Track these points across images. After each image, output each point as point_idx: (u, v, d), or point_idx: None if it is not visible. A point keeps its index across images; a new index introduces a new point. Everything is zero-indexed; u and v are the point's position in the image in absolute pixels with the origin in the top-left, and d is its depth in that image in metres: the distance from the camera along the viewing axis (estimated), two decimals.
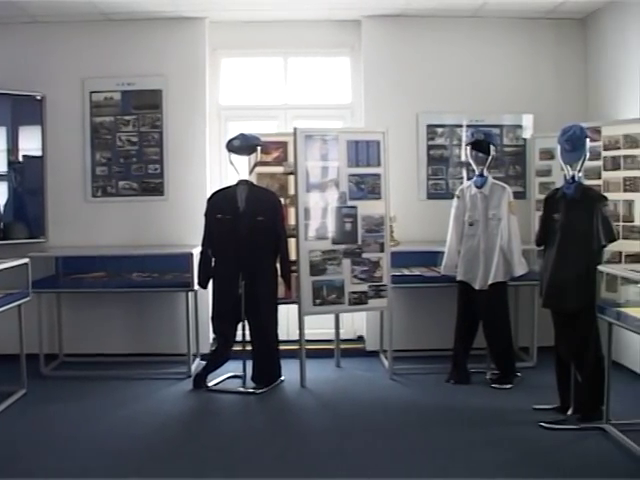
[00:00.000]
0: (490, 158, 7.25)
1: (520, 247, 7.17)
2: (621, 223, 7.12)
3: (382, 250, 7.47)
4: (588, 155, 6.05)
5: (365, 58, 8.53)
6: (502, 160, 8.45)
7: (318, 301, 7.31)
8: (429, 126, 8.57)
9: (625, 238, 7.04)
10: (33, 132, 8.31)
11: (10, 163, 8.20)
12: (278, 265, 7.30)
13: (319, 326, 8.18)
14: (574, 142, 5.93)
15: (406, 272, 8.00)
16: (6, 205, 8.23)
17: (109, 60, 8.42)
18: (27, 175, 8.32)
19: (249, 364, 7.28)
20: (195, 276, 7.51)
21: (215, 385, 7.29)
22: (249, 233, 7.07)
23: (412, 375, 7.61)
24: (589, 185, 6.41)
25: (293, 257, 7.39)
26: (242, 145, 7.22)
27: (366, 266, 7.44)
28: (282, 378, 7.41)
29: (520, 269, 7.14)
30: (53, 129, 8.35)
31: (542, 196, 6.82)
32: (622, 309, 5.60)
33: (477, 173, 7.32)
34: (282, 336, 7.59)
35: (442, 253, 7.54)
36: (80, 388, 7.28)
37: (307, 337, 7.39)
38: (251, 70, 9.01)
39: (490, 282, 7.16)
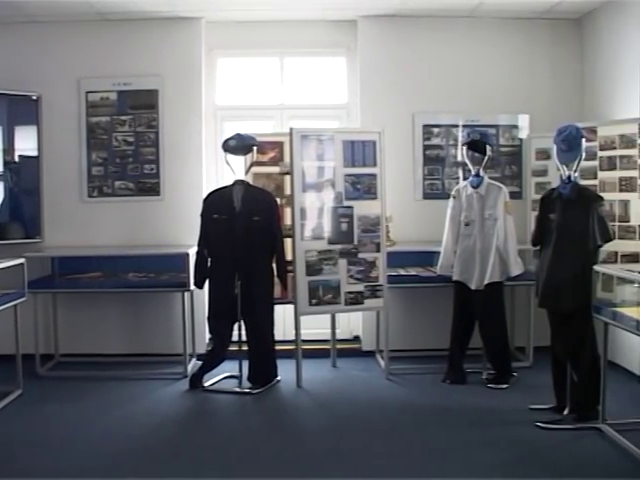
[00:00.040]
0: (486, 158, 7.26)
1: (516, 247, 7.18)
2: (617, 223, 7.13)
3: (378, 250, 7.48)
4: (584, 155, 6.05)
5: (361, 58, 8.53)
6: (498, 160, 8.45)
7: (314, 301, 7.31)
8: (425, 126, 8.58)
9: (621, 238, 7.04)
10: (29, 132, 8.31)
11: (6, 163, 8.18)
12: (274, 265, 7.30)
13: (315, 326, 8.18)
14: (570, 142, 5.94)
15: (402, 272, 8.01)
16: (2, 205, 8.20)
17: (105, 60, 8.41)
18: (23, 175, 8.31)
19: (245, 364, 7.28)
20: (191, 276, 7.51)
21: (211, 385, 7.29)
22: (245, 233, 7.07)
23: (408, 375, 7.61)
24: (585, 185, 6.42)
25: (289, 257, 7.39)
26: (238, 145, 7.22)
27: (362, 266, 7.44)
28: (278, 378, 7.41)
29: (516, 269, 7.15)
30: (49, 129, 8.35)
31: (538, 196, 6.83)
32: (618, 309, 5.61)
33: (473, 173, 7.32)
34: (278, 336, 7.58)
35: (438, 253, 7.53)
36: (76, 388, 7.27)
37: (303, 337, 7.39)
38: (247, 70, 9.01)
39: (486, 282, 7.16)
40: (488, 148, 7.25)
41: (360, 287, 7.44)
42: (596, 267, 5.80)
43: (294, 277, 7.27)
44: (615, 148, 7.24)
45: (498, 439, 5.74)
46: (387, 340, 7.62)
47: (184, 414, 6.61)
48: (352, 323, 8.91)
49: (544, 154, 7.99)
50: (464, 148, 7.44)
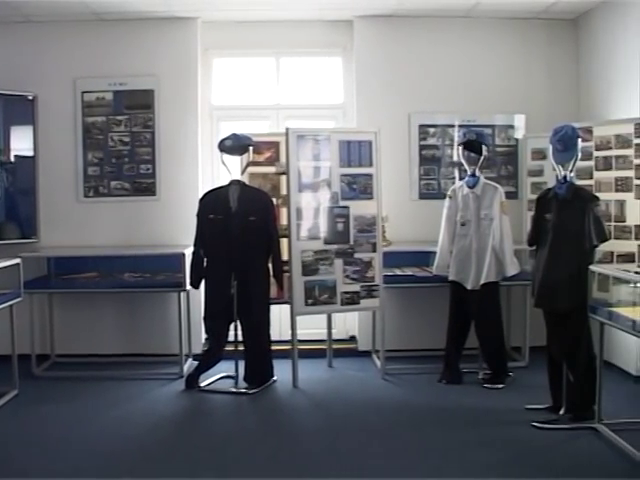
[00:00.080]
0: (482, 158, 7.26)
1: (512, 247, 7.19)
2: (613, 223, 7.13)
3: (374, 250, 7.48)
4: (580, 155, 6.06)
5: (357, 58, 8.54)
6: (494, 160, 8.46)
7: (310, 301, 7.31)
8: (421, 126, 8.58)
9: (617, 238, 7.05)
10: (25, 132, 8.29)
11: (2, 163, 8.15)
12: (270, 265, 7.30)
13: (311, 326, 8.16)
14: (566, 142, 5.94)
15: (398, 272, 8.01)
16: None
17: (101, 60, 8.40)
18: (19, 175, 8.30)
19: (241, 364, 7.28)
20: (187, 276, 7.50)
21: (207, 385, 7.29)
22: (241, 233, 7.07)
23: (404, 375, 7.61)
24: (581, 185, 6.42)
25: (285, 257, 7.39)
26: (234, 145, 7.22)
27: (358, 266, 7.45)
28: (274, 378, 7.41)
29: (512, 269, 7.16)
30: (45, 129, 8.34)
31: (534, 196, 6.83)
32: (614, 309, 5.62)
33: (469, 173, 7.33)
34: (274, 336, 7.58)
35: (434, 253, 7.54)
36: (72, 389, 7.27)
37: (299, 337, 7.39)
38: (243, 70, 9.01)
39: (482, 282, 7.17)
40: (484, 148, 7.26)
41: (356, 287, 7.44)
42: (592, 267, 5.80)
43: (290, 277, 7.26)
44: (611, 148, 7.25)
45: (494, 439, 5.74)
46: (383, 340, 7.62)
47: (180, 414, 6.61)
48: (348, 323, 8.91)
49: (540, 154, 8.00)
50: (460, 148, 7.44)
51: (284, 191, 7.54)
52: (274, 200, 7.50)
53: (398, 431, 6.00)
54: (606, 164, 7.29)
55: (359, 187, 7.43)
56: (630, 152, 7.06)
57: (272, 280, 7.34)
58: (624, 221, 7.11)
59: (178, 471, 5.20)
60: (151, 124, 8.45)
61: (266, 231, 7.17)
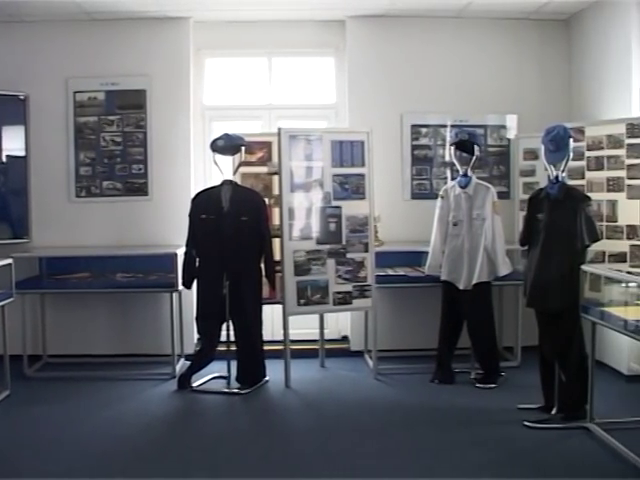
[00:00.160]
0: (474, 158, 7.27)
1: (504, 247, 7.20)
2: (604, 223, 7.15)
3: (366, 250, 7.48)
4: (572, 155, 6.07)
5: (349, 58, 8.54)
6: (486, 160, 8.47)
7: (302, 301, 7.31)
8: (413, 126, 8.59)
9: (608, 238, 7.06)
10: (16, 132, 8.28)
11: None
12: (262, 265, 7.30)
13: (303, 326, 8.16)
14: (558, 142, 5.96)
15: (390, 272, 8.01)
16: None
17: (93, 60, 8.39)
18: (10, 175, 8.28)
19: (234, 364, 7.27)
20: (179, 276, 7.50)
21: (200, 386, 7.28)
22: (233, 233, 7.06)
23: (396, 375, 7.62)
24: (573, 185, 6.43)
25: (277, 257, 7.38)
26: (226, 145, 7.22)
27: (350, 266, 7.45)
28: (267, 378, 7.40)
29: (504, 269, 7.17)
30: (36, 129, 8.32)
31: (526, 196, 6.84)
32: (606, 309, 5.63)
33: (461, 173, 7.33)
34: (266, 336, 7.58)
35: (426, 253, 7.54)
36: (64, 389, 7.26)
37: (291, 337, 7.39)
38: (235, 70, 9.01)
39: (474, 282, 7.17)
40: (476, 148, 7.27)
41: (348, 287, 7.44)
42: (584, 267, 5.82)
43: (282, 277, 7.26)
44: (603, 148, 7.26)
45: (486, 439, 5.75)
46: (375, 340, 7.62)
47: (172, 414, 6.60)
48: (340, 323, 8.91)
49: (532, 154, 8.01)
50: (452, 148, 7.45)
51: (276, 191, 7.54)
52: (266, 200, 7.50)
53: (390, 431, 6.01)
54: (598, 164, 7.30)
55: (351, 187, 7.44)
56: (622, 152, 7.07)
57: (264, 280, 7.33)
58: (616, 221, 7.12)
59: (170, 471, 5.19)
60: (143, 124, 8.44)
61: (258, 231, 7.17)
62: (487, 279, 7.20)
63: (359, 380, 7.56)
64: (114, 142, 8.43)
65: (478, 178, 7.42)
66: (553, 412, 6.11)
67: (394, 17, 8.45)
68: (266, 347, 7.46)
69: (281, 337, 7.44)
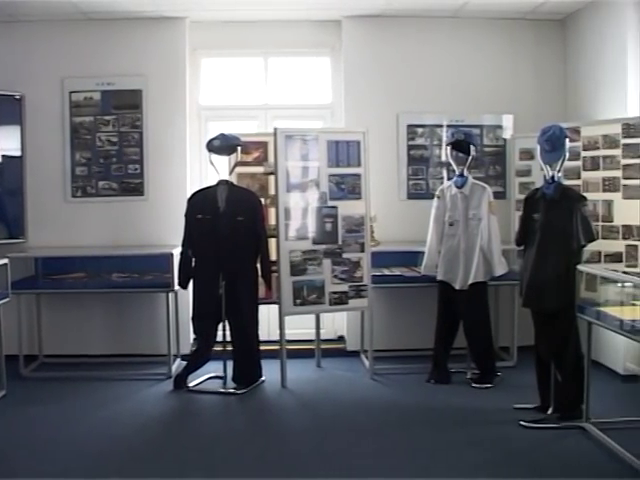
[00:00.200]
0: (470, 158, 7.27)
1: (500, 247, 7.20)
2: (600, 223, 7.14)
3: (362, 250, 7.48)
4: (567, 155, 6.09)
5: (345, 58, 8.54)
6: (482, 160, 8.47)
7: (299, 301, 7.31)
8: (409, 126, 8.59)
9: (604, 238, 7.06)
10: (12, 132, 8.26)
11: None
12: (259, 265, 7.29)
13: (300, 326, 8.18)
14: (554, 142, 5.96)
15: (386, 272, 8.02)
16: None
17: (89, 60, 8.38)
18: (6, 175, 8.26)
19: (230, 364, 7.27)
20: (175, 276, 7.49)
21: (196, 386, 7.28)
22: (229, 233, 7.06)
23: (393, 375, 7.62)
24: (568, 185, 6.44)
25: (273, 257, 7.38)
26: (222, 145, 7.21)
27: (346, 266, 7.45)
28: (263, 378, 7.40)
29: (500, 269, 7.18)
30: (32, 129, 8.31)
31: (522, 196, 6.86)
32: (601, 308, 5.64)
33: (457, 173, 7.34)
34: (263, 336, 7.57)
35: (422, 253, 7.54)
36: (60, 389, 7.25)
37: (288, 337, 7.39)
38: (231, 70, 9.01)
39: (470, 282, 7.18)
40: (472, 148, 7.27)
41: (344, 287, 7.45)
42: (580, 267, 5.82)
43: (278, 277, 7.26)
44: (598, 148, 7.26)
45: (482, 439, 5.75)
46: (371, 340, 7.63)
47: (168, 414, 6.60)
48: (336, 323, 8.92)
49: (528, 154, 8.01)
50: (448, 148, 7.45)
51: (272, 191, 7.54)
52: (262, 200, 7.50)
53: (386, 431, 6.01)
54: (594, 164, 7.30)
55: (347, 187, 7.44)
56: (617, 152, 7.07)
57: (260, 280, 7.33)
58: (611, 221, 7.12)
59: (166, 471, 5.19)
60: (139, 124, 8.43)
61: (254, 231, 7.17)
62: (483, 279, 7.21)
63: (355, 380, 7.56)
64: (110, 142, 8.43)
65: (474, 178, 7.42)
66: (549, 412, 6.11)
67: (390, 17, 8.45)
68: (262, 347, 7.46)
69: (277, 337, 7.42)
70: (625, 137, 6.99)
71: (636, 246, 6.89)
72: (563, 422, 5.92)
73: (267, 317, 8.14)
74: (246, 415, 6.61)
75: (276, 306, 7.39)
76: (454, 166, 7.39)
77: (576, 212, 5.84)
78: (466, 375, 7.43)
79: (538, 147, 6.13)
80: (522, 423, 5.96)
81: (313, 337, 8.19)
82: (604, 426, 5.69)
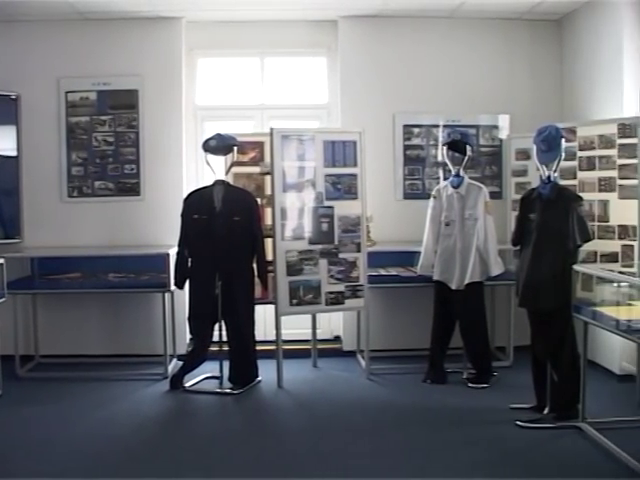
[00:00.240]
0: (466, 158, 7.28)
1: (496, 247, 7.21)
2: (596, 223, 7.15)
3: (359, 250, 7.48)
4: (563, 155, 6.09)
5: (342, 58, 8.54)
6: (478, 160, 8.48)
7: (295, 301, 7.31)
8: (405, 126, 8.59)
9: (600, 238, 7.07)
10: (8, 132, 8.25)
11: None
12: (255, 265, 7.29)
13: (296, 326, 8.16)
14: (550, 142, 5.97)
15: (383, 272, 8.01)
16: None
17: (85, 60, 8.37)
18: (2, 175, 8.24)
19: (226, 365, 7.27)
20: (171, 276, 7.49)
21: (192, 386, 7.27)
22: (226, 233, 7.06)
23: (389, 375, 7.62)
24: (565, 185, 6.45)
25: (270, 257, 7.38)
26: (218, 145, 7.21)
27: (343, 266, 7.45)
28: (259, 378, 7.40)
29: (496, 269, 7.18)
30: (28, 129, 8.30)
31: (518, 196, 6.85)
32: (597, 308, 5.63)
33: (453, 173, 7.34)
34: (259, 336, 7.57)
35: (419, 253, 7.54)
36: (56, 389, 7.24)
37: (284, 337, 7.38)
38: (227, 70, 9.00)
39: (466, 282, 7.18)
40: (468, 148, 7.28)
41: (341, 287, 7.45)
42: (576, 267, 5.83)
43: (275, 277, 7.26)
44: (594, 148, 7.27)
45: (478, 439, 5.75)
46: (368, 340, 7.63)
47: (165, 415, 6.60)
48: (333, 323, 8.92)
49: (524, 154, 8.01)
50: (444, 148, 7.46)
51: (268, 191, 7.54)
52: (258, 200, 7.49)
53: (383, 431, 6.01)
54: (590, 164, 7.31)
55: (343, 187, 7.44)
56: (613, 152, 7.08)
57: (257, 280, 7.33)
58: (607, 221, 7.13)
59: (163, 471, 5.19)
60: (135, 124, 8.43)
61: (250, 231, 7.16)
62: (479, 279, 7.21)
63: (351, 380, 7.56)
64: (106, 142, 8.42)
65: (470, 178, 7.43)
66: (545, 412, 6.12)
67: (386, 17, 8.45)
68: (258, 347, 7.46)
69: (273, 337, 7.44)
70: (621, 137, 7.00)
71: (632, 246, 6.90)
72: (559, 422, 5.93)
73: (263, 317, 8.15)
74: (242, 415, 6.61)
75: (272, 306, 7.40)
76: (450, 166, 7.39)
77: (572, 212, 5.85)
78: (462, 375, 7.43)
79: (534, 147, 6.13)
80: (518, 423, 5.96)
81: (309, 337, 8.19)
82: (600, 426, 5.69)
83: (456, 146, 7.31)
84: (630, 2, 7.23)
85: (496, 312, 8.18)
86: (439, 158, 8.45)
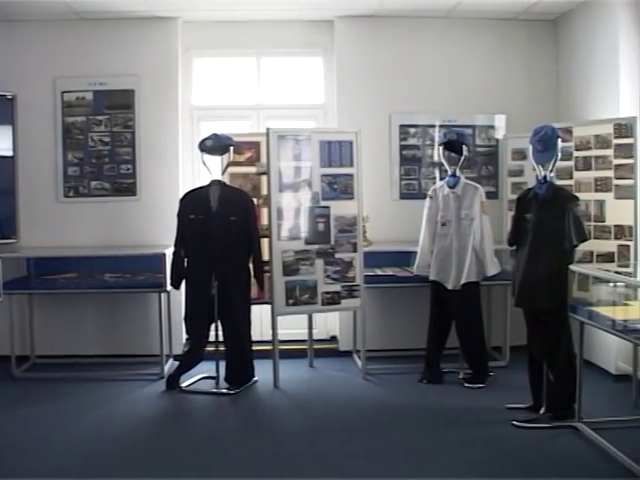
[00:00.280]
0: (463, 158, 7.28)
1: (492, 247, 7.21)
2: (592, 223, 7.16)
3: (355, 250, 7.48)
4: (560, 155, 6.09)
5: (338, 58, 8.54)
6: (475, 160, 8.47)
7: (291, 301, 7.31)
8: (402, 126, 8.59)
9: (596, 238, 7.07)
10: (4, 132, 8.23)
11: None
12: (251, 265, 7.29)
13: (292, 326, 8.18)
14: (546, 142, 5.98)
15: (379, 272, 8.02)
16: None
17: (81, 60, 8.36)
18: None
19: (222, 365, 7.26)
20: (168, 277, 7.48)
21: (188, 386, 7.27)
22: (222, 233, 7.05)
23: (385, 375, 7.62)
24: (561, 185, 6.45)
25: (266, 257, 7.38)
26: (215, 145, 7.21)
27: (339, 266, 7.45)
28: (255, 379, 7.40)
29: (492, 269, 7.18)
30: (24, 129, 8.29)
31: (514, 196, 6.87)
32: (594, 308, 5.64)
33: (450, 173, 7.34)
34: (255, 336, 7.56)
35: (415, 253, 7.55)
36: (52, 390, 7.23)
37: (280, 337, 7.39)
38: (224, 70, 9.00)
39: (463, 282, 7.18)
40: (464, 148, 7.27)
41: (337, 287, 7.45)
42: (572, 267, 5.83)
43: (271, 277, 7.26)
44: (590, 148, 7.27)
45: (475, 438, 5.75)
46: (364, 340, 7.63)
47: (161, 415, 6.59)
48: (329, 323, 8.91)
49: (520, 154, 8.01)
50: (440, 148, 7.46)
51: (265, 191, 7.54)
52: (255, 200, 7.49)
53: (379, 431, 6.01)
54: (586, 164, 7.31)
55: (340, 187, 7.44)
56: (609, 152, 7.08)
57: (253, 280, 7.33)
58: (604, 221, 7.14)
59: (159, 471, 5.19)
60: (131, 124, 8.42)
61: (247, 231, 7.16)
62: (476, 279, 7.21)
63: (348, 380, 7.56)
64: (102, 142, 8.42)
65: (467, 178, 7.43)
66: (541, 412, 6.12)
67: (383, 17, 8.45)
68: (255, 347, 7.45)
69: (270, 337, 7.42)
70: (617, 137, 7.01)
71: (628, 246, 6.91)
72: (555, 422, 5.93)
73: (259, 317, 8.13)
74: (239, 415, 6.61)
75: (268, 306, 7.38)
76: (446, 166, 7.39)
77: (568, 212, 5.86)
78: (458, 375, 7.43)
79: (530, 147, 6.14)
80: (514, 423, 5.97)
81: (306, 337, 8.19)
82: (596, 426, 5.70)
83: (452, 146, 7.31)
84: (626, 2, 7.23)
85: (492, 312, 8.18)
86: (435, 158, 8.45)
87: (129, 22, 8.33)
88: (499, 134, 8.57)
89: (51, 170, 8.39)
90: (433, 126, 8.58)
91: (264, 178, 7.50)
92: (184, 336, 8.04)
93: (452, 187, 7.28)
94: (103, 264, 8.09)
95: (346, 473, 5.15)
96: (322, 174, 7.39)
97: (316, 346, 8.28)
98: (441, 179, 7.91)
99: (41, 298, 8.29)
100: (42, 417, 6.40)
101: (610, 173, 7.07)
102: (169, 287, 7.53)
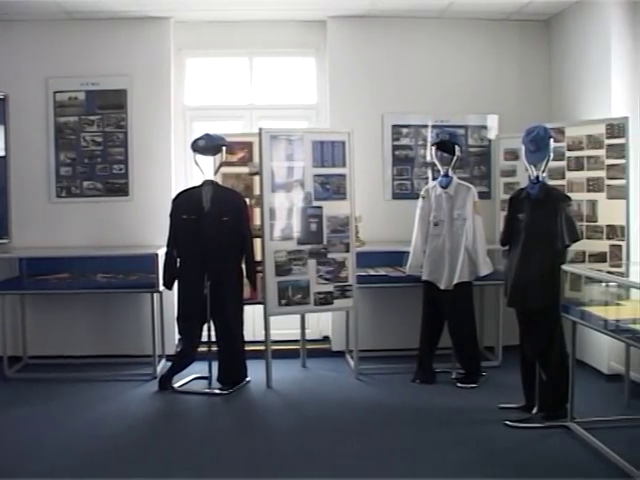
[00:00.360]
0: (455, 158, 7.29)
1: (485, 247, 7.22)
2: (585, 223, 7.17)
3: (347, 250, 7.49)
4: (552, 155, 6.10)
5: (330, 58, 8.54)
6: (467, 160, 8.48)
7: (284, 301, 7.31)
8: (394, 126, 8.60)
9: (589, 238, 7.08)
10: None
11: None
12: (243, 265, 7.29)
13: (285, 326, 8.18)
14: (538, 142, 5.99)
15: (371, 272, 8.02)
16: None
17: (73, 60, 8.35)
18: None
19: (215, 365, 7.26)
20: (160, 277, 7.48)
21: (181, 386, 7.26)
22: (214, 234, 7.05)
23: (378, 375, 7.62)
24: (553, 185, 6.47)
25: (258, 257, 7.38)
26: (207, 145, 7.21)
27: (331, 266, 7.45)
28: (248, 379, 7.39)
29: (485, 269, 7.19)
30: (16, 129, 8.27)
31: (507, 196, 6.89)
32: (586, 308, 5.66)
33: (442, 173, 7.35)
34: (248, 337, 7.56)
35: (407, 253, 7.55)
36: (45, 390, 7.22)
37: (273, 337, 7.39)
38: (216, 70, 8.99)
39: (455, 282, 7.19)
40: (457, 148, 7.28)
41: (329, 287, 7.45)
42: (564, 267, 5.84)
43: (263, 277, 7.27)
44: (583, 148, 7.28)
45: (467, 438, 5.76)
46: (357, 340, 7.63)
47: (154, 415, 6.59)
48: (322, 323, 8.92)
49: (512, 154, 8.02)
50: (433, 148, 7.46)
51: (257, 191, 7.54)
52: (247, 200, 7.48)
53: (371, 431, 6.01)
54: (578, 164, 7.33)
55: (332, 187, 7.44)
56: (602, 152, 7.09)
57: (245, 280, 7.32)
58: (596, 221, 7.15)
59: (152, 471, 5.18)
60: (124, 124, 8.41)
61: (239, 231, 7.16)
62: (468, 279, 7.22)
63: (340, 380, 7.56)
64: (94, 142, 8.41)
65: (459, 178, 7.44)
66: (534, 411, 6.13)
67: (375, 17, 8.46)
68: (247, 347, 7.45)
69: (262, 337, 7.43)
70: (609, 137, 7.02)
71: (620, 246, 6.92)
72: (548, 421, 5.94)
73: (252, 317, 8.13)
74: (231, 415, 6.60)
75: (261, 306, 7.39)
76: (439, 166, 7.40)
77: (560, 212, 5.87)
78: (451, 375, 7.44)
79: (523, 147, 6.15)
80: (507, 423, 5.97)
81: (298, 337, 8.20)
82: (589, 425, 5.71)
83: (445, 146, 7.32)
84: (618, 2, 7.25)
85: (485, 312, 8.19)
86: (428, 158, 8.46)
87: (121, 22, 8.32)
88: (491, 134, 8.58)
89: (43, 170, 8.38)
90: (425, 126, 8.59)
91: (257, 178, 7.50)
92: (177, 336, 8.05)
93: (445, 187, 7.29)
94: (95, 264, 8.07)
95: (339, 473, 5.14)
96: (314, 174, 7.40)
97: (309, 346, 8.28)
98: (434, 179, 7.92)
99: (33, 298, 8.28)
100: (35, 417, 6.38)
101: (602, 173, 7.09)
102: (161, 287, 7.53)
